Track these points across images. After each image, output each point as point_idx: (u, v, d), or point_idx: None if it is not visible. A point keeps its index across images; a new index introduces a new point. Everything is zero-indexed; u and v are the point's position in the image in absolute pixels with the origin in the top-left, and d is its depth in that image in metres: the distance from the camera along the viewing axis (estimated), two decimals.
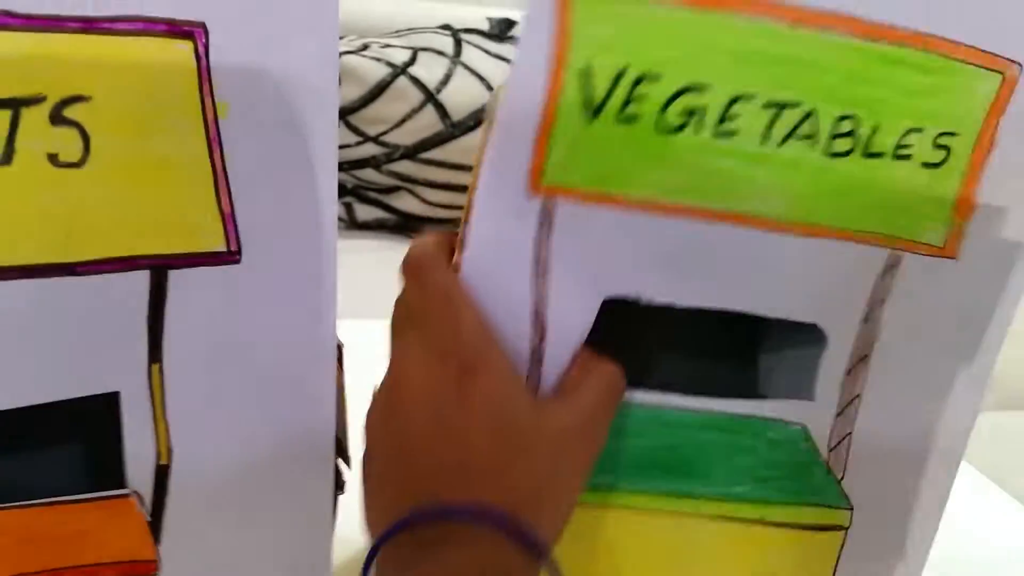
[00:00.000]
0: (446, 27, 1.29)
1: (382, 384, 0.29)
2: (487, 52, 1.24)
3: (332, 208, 0.28)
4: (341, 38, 1.33)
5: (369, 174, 1.18)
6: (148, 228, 0.27)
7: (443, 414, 0.28)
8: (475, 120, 1.18)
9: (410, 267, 0.30)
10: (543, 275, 0.31)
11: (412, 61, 1.20)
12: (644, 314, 0.32)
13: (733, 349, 0.34)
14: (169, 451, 0.29)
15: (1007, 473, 0.60)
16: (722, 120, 0.29)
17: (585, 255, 0.31)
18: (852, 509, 0.35)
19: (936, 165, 0.31)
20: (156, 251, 0.27)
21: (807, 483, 0.35)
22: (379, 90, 1.16)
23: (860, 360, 0.34)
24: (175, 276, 0.28)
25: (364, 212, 1.21)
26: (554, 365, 0.32)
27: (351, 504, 0.33)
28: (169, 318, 0.28)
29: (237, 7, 0.25)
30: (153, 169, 0.26)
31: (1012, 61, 0.30)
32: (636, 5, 0.28)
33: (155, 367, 0.28)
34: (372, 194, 1.21)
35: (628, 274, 0.31)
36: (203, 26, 0.25)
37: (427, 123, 1.16)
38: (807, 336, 0.33)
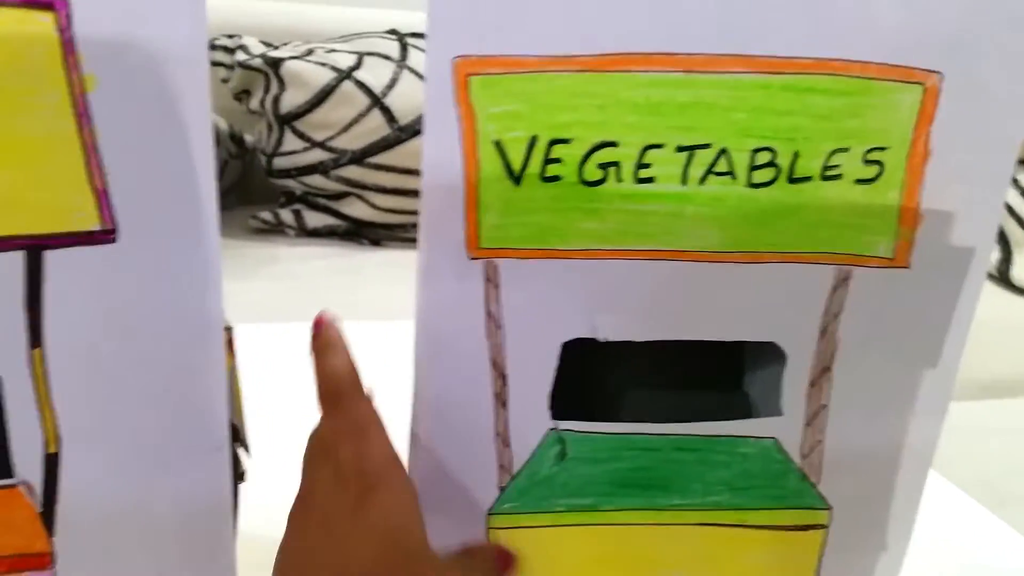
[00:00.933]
0: (392, 32, 1.28)
1: (291, 510, 0.30)
2: None
3: (210, 182, 0.28)
4: (286, 44, 1.33)
5: (317, 180, 1.18)
6: (19, 208, 0.26)
7: (339, 526, 0.29)
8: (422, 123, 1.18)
9: (325, 397, 0.31)
10: (497, 328, 0.33)
11: (358, 65, 1.19)
12: (605, 351, 0.34)
13: (696, 375, 0.35)
14: (58, 439, 0.29)
15: (946, 462, 0.61)
16: (638, 168, 0.31)
17: (535, 305, 0.33)
18: (830, 509, 0.36)
19: (870, 180, 0.32)
20: (29, 231, 0.26)
21: (783, 489, 0.36)
22: (324, 95, 1.16)
23: (822, 372, 0.34)
24: (51, 257, 0.27)
25: (314, 219, 1.20)
26: (521, 406, 0.34)
27: (257, 501, 0.33)
28: (48, 301, 0.27)
29: None
30: (20, 147, 0.26)
31: (931, 71, 0.30)
32: (532, 81, 0.30)
33: (36, 352, 0.28)
34: (321, 200, 1.20)
35: (581, 317, 0.33)
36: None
37: (374, 127, 1.16)
38: (767, 355, 0.35)
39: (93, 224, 0.27)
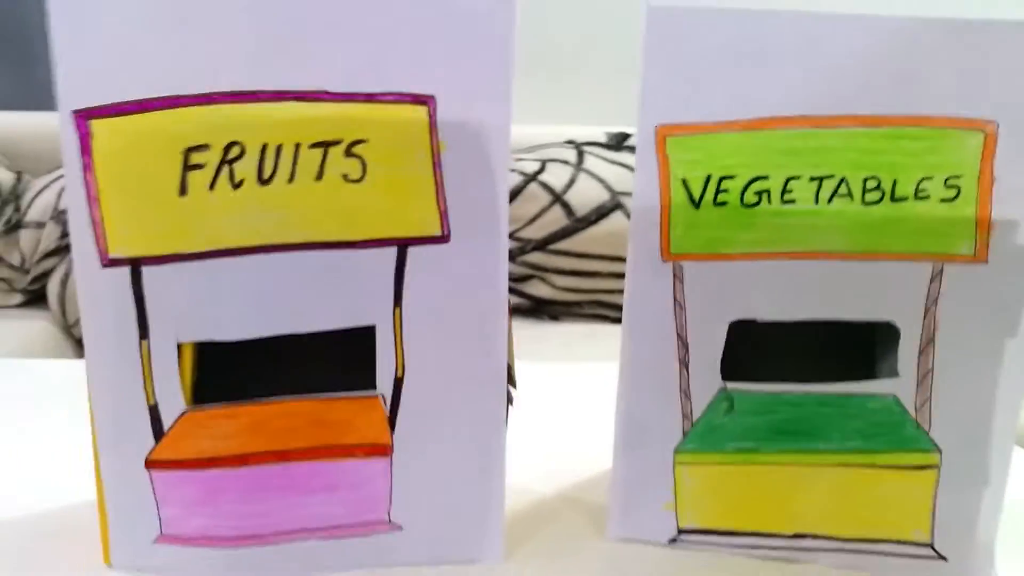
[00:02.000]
0: (570, 142, 1.49)
1: None
2: (605, 159, 1.42)
3: (505, 212, 0.44)
4: None
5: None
6: (397, 219, 0.44)
7: None
8: (596, 215, 1.36)
9: None
10: (681, 311, 0.47)
11: (541, 170, 1.39)
12: (763, 329, 0.47)
13: (832, 347, 0.48)
14: (403, 367, 0.45)
15: None
16: (783, 193, 0.45)
17: (708, 295, 0.47)
18: (940, 452, 0.47)
19: (951, 200, 0.44)
20: (401, 234, 0.44)
21: (903, 436, 0.47)
22: (514, 195, 1.36)
23: (927, 344, 0.46)
24: (412, 251, 0.44)
25: None
26: (698, 369, 0.47)
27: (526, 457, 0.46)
28: (407, 278, 0.44)
29: (455, 86, 0.42)
30: (401, 183, 0.43)
31: (989, 121, 0.43)
32: (708, 139, 0.45)
33: (397, 310, 0.45)
34: (510, 283, 1.39)
35: (743, 303, 0.47)
36: (433, 97, 0.42)
37: (555, 219, 1.35)
38: (885, 331, 0.47)
39: (436, 231, 0.44)
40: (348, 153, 0.43)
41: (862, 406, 0.47)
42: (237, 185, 0.42)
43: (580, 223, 1.35)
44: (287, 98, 0.42)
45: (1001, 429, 0.46)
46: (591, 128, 1.53)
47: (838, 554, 0.49)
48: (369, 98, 0.42)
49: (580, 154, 1.44)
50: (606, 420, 0.49)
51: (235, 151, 0.42)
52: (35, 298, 1.56)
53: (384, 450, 0.46)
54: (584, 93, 1.66)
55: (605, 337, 1.30)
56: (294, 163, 0.42)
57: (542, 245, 1.35)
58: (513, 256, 1.36)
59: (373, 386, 0.45)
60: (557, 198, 1.36)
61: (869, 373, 0.47)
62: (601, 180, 1.37)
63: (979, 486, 0.46)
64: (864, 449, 0.48)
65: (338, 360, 0.45)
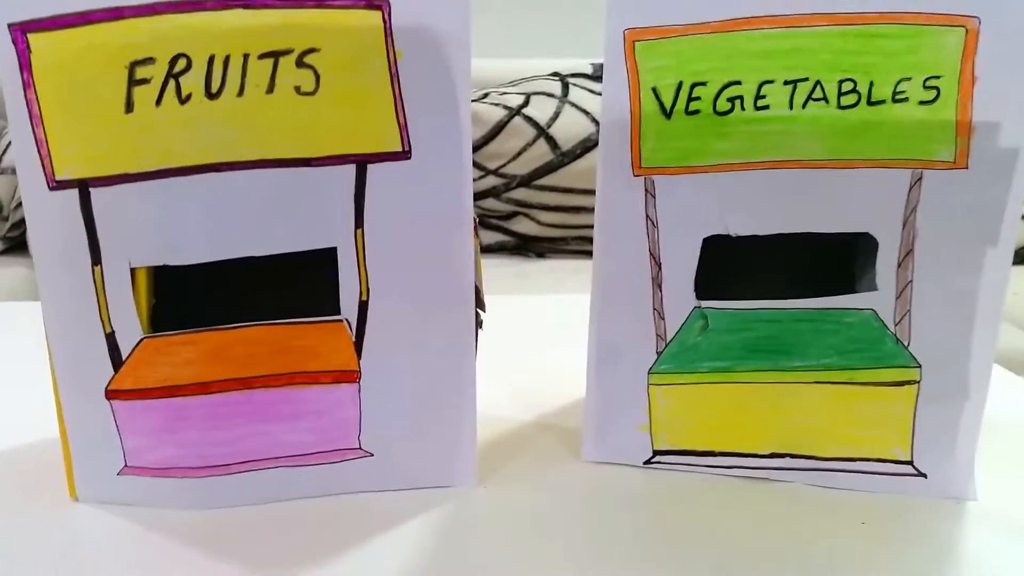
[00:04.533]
0: (555, 74, 1.45)
1: None
2: (591, 91, 1.39)
3: (467, 124, 0.43)
4: None
5: (491, 203, 1.35)
6: (355, 135, 0.42)
7: None
8: (582, 148, 1.33)
9: None
10: (653, 227, 0.46)
11: (526, 103, 1.36)
12: (736, 244, 0.45)
13: (808, 261, 0.47)
14: (367, 290, 0.44)
15: None
16: (756, 99, 0.43)
17: (681, 210, 0.45)
18: (920, 367, 0.46)
19: (930, 102, 0.42)
20: (359, 151, 0.42)
21: (882, 351, 0.46)
22: (497, 129, 1.34)
23: (906, 254, 0.45)
24: (371, 169, 0.42)
25: (487, 237, 1.37)
26: (671, 288, 0.46)
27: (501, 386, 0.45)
28: (367, 197, 0.43)
29: None
30: (358, 95, 0.41)
31: (970, 16, 0.41)
32: (678, 42, 0.43)
33: (359, 231, 0.43)
34: (494, 220, 1.37)
35: (717, 218, 0.45)
36: (388, 1, 0.40)
37: (539, 154, 1.32)
38: (863, 243, 0.45)
39: (396, 147, 0.42)
40: (300, 63, 0.40)
41: (839, 321, 0.46)
42: (185, 100, 0.40)
43: (565, 157, 1.32)
44: (233, 5, 0.39)
45: (980, 342, 0.45)
46: (576, 60, 1.50)
47: (816, 473, 0.48)
48: (320, 3, 0.40)
49: (565, 86, 1.41)
50: (584, 348, 0.48)
51: (181, 64, 0.40)
52: (15, 246, 1.54)
53: (352, 376, 0.45)
54: (569, 23, 1.62)
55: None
56: (243, 75, 0.40)
57: (527, 181, 1.33)
58: (498, 193, 1.33)
59: (337, 311, 0.44)
60: (542, 132, 1.33)
61: (847, 287, 0.46)
62: (586, 112, 1.35)
63: (959, 401, 0.46)
64: (842, 366, 0.47)
65: (300, 284, 0.44)
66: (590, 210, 1.41)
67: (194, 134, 0.40)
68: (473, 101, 1.37)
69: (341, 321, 0.44)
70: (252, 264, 0.42)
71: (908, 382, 0.46)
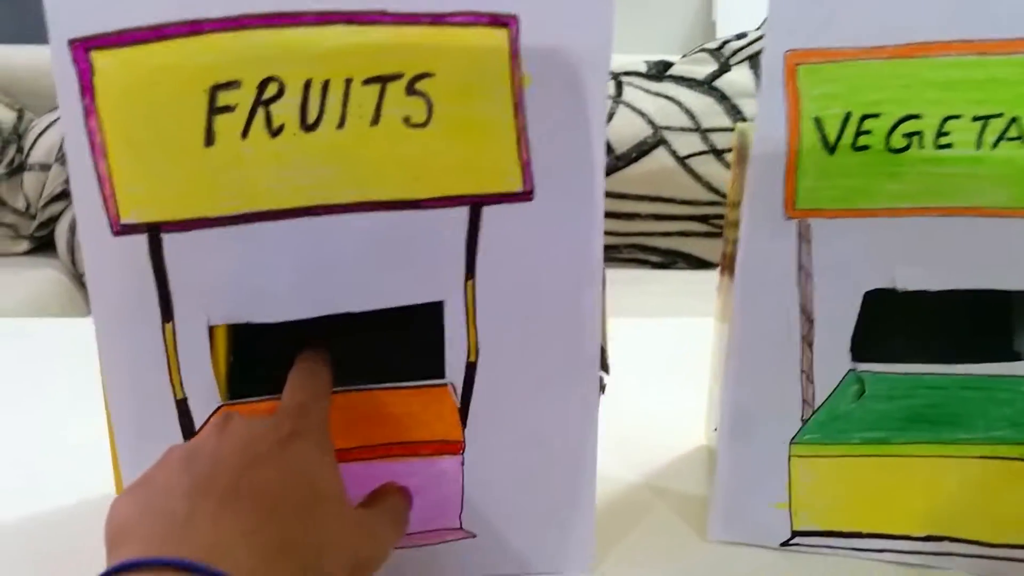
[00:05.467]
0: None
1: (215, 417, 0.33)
2: (646, 91, 1.32)
3: (602, 160, 0.36)
4: None
5: None
6: (469, 173, 0.36)
7: (258, 448, 0.31)
8: (637, 152, 1.27)
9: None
10: (807, 278, 0.39)
11: None
12: (902, 300, 0.39)
13: (981, 321, 0.40)
14: (477, 351, 0.38)
15: None
16: (938, 136, 0.36)
17: (841, 259, 0.39)
18: None
19: None
20: (474, 191, 0.36)
21: None
22: None
23: None
24: (487, 211, 0.36)
25: None
26: (823, 348, 0.40)
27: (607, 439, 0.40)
28: (481, 244, 0.36)
29: (542, 2, 0.34)
30: (475, 127, 0.35)
31: None
32: (849, 67, 0.36)
33: (470, 283, 0.37)
34: None
35: (882, 269, 0.39)
36: (516, 17, 0.34)
37: None
38: None
39: (517, 187, 0.36)
40: (410, 90, 0.34)
41: (1013, 390, 0.40)
42: (276, 132, 0.34)
43: (619, 161, 1.26)
44: (335, 20, 0.33)
45: None
46: (630, 57, 1.43)
47: (978, 560, 0.42)
48: (436, 20, 0.34)
49: (619, 85, 1.34)
50: (690, 388, 0.42)
51: (272, 89, 0.33)
52: (43, 245, 1.48)
53: (455, 447, 0.39)
54: (621, 17, 1.55)
55: (649, 284, 1.22)
56: (344, 104, 0.34)
57: None
58: None
59: (442, 373, 0.38)
60: None
61: (1022, 353, 0.40)
62: (642, 114, 1.28)
63: None
64: (1013, 440, 0.40)
65: (400, 343, 0.38)
66: (644, 217, 1.35)
67: (286, 172, 0.34)
68: None
69: (445, 385, 0.38)
70: (347, 322, 0.36)
71: None
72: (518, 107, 0.35)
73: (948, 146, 0.37)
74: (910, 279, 0.39)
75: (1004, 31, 0.35)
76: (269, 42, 0.33)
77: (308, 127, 0.34)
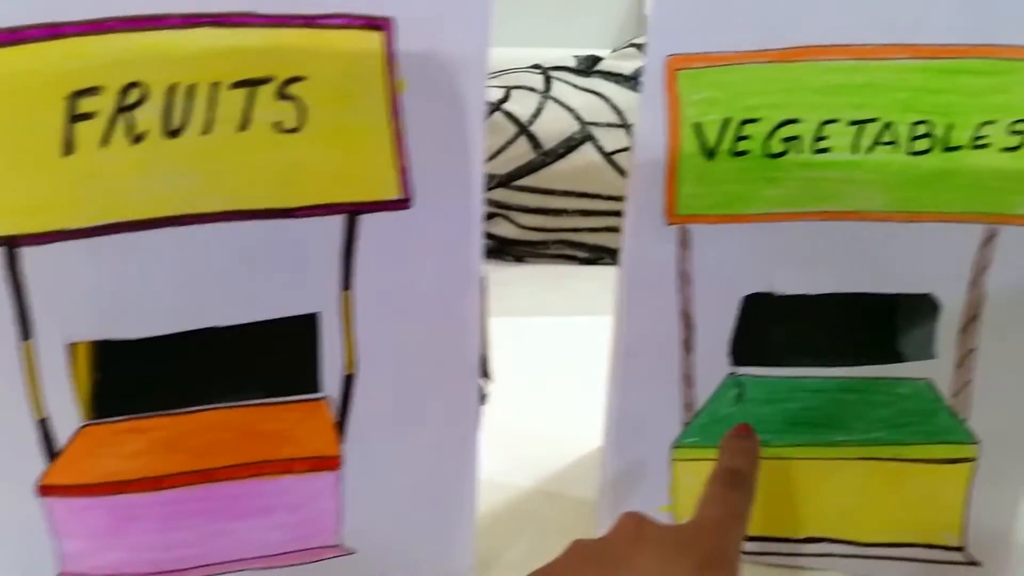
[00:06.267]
0: (536, 66, 1.38)
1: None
2: (575, 86, 1.32)
3: (479, 166, 0.36)
4: None
5: None
6: (343, 181, 0.35)
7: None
8: (565, 148, 1.27)
9: (721, 480, 0.35)
10: (687, 284, 0.39)
11: (506, 98, 1.29)
12: (780, 304, 0.39)
13: (860, 324, 0.41)
14: (354, 363, 0.37)
15: None
16: (816, 140, 0.37)
17: (720, 264, 0.39)
18: (978, 443, 0.41)
19: (1015, 149, 0.37)
20: (349, 199, 0.35)
21: (935, 425, 0.41)
22: None
23: (971, 319, 0.39)
24: (363, 220, 0.35)
25: None
26: (703, 352, 0.40)
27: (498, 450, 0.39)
28: (358, 254, 0.36)
29: (418, 6, 0.33)
30: (349, 133, 0.34)
31: None
32: (729, 72, 0.36)
33: (346, 293, 0.36)
34: None
35: (760, 274, 0.39)
36: (391, 21, 0.33)
37: (520, 153, 1.25)
38: (923, 305, 0.39)
39: (394, 194, 0.35)
40: (281, 95, 0.33)
41: (891, 392, 0.41)
42: (138, 139, 0.32)
43: (547, 157, 1.25)
44: (202, 23, 0.32)
45: None
46: (559, 51, 1.42)
47: (856, 560, 0.43)
48: (309, 22, 0.33)
49: (547, 80, 1.34)
50: (589, 390, 0.42)
51: (134, 95, 0.32)
52: None
53: (331, 463, 0.38)
54: (551, 11, 1.54)
55: (575, 280, 1.22)
56: (211, 109, 0.33)
57: (506, 181, 1.26)
58: None
59: (317, 388, 0.37)
60: (523, 129, 1.26)
61: (901, 354, 0.41)
62: (570, 109, 1.28)
63: (1020, 482, 0.40)
64: (890, 441, 0.41)
65: (272, 358, 0.37)
66: (572, 212, 1.35)
67: (149, 180, 0.33)
68: None
69: (321, 400, 0.37)
70: (216, 336, 0.35)
71: (962, 459, 0.41)
72: (394, 113, 0.34)
73: (825, 150, 0.37)
74: (788, 283, 0.39)
75: (883, 36, 0.36)
76: (132, 46, 0.32)
77: (172, 133, 0.33)
